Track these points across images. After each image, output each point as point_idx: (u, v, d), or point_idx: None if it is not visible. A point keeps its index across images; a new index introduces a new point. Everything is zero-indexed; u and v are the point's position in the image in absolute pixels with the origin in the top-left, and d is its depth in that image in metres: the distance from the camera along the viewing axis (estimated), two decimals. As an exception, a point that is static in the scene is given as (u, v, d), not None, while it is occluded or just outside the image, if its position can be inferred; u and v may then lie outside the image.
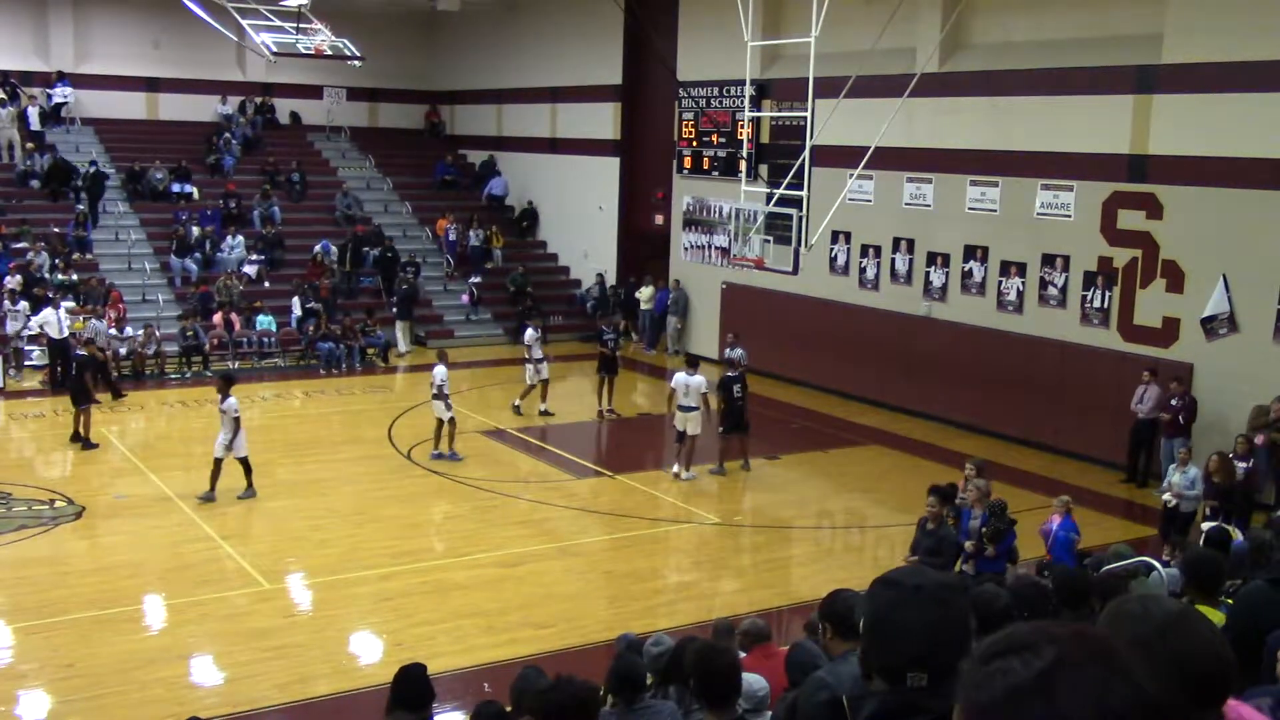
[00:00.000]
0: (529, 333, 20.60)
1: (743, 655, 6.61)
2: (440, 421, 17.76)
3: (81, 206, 26.83)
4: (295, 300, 25.59)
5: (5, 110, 28.40)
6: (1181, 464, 14.26)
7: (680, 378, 17.53)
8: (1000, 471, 17.91)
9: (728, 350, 19.22)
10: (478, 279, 28.94)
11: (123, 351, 22.67)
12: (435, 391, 17.77)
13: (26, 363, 22.63)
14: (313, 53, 23.28)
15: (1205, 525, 12.51)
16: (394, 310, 26.37)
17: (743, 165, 23.08)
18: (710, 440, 17.74)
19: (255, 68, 30.93)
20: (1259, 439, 15.83)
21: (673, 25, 26.05)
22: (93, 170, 27.55)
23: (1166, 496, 14.27)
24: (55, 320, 21.96)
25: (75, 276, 24.70)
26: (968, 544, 11.52)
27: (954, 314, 20.50)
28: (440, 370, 17.75)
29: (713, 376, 18.89)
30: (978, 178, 19.95)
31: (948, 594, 2.24)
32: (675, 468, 17.50)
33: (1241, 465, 14.39)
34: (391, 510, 15.42)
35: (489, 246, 30.05)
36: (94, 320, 21.52)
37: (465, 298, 28.51)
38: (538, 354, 20.44)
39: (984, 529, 11.42)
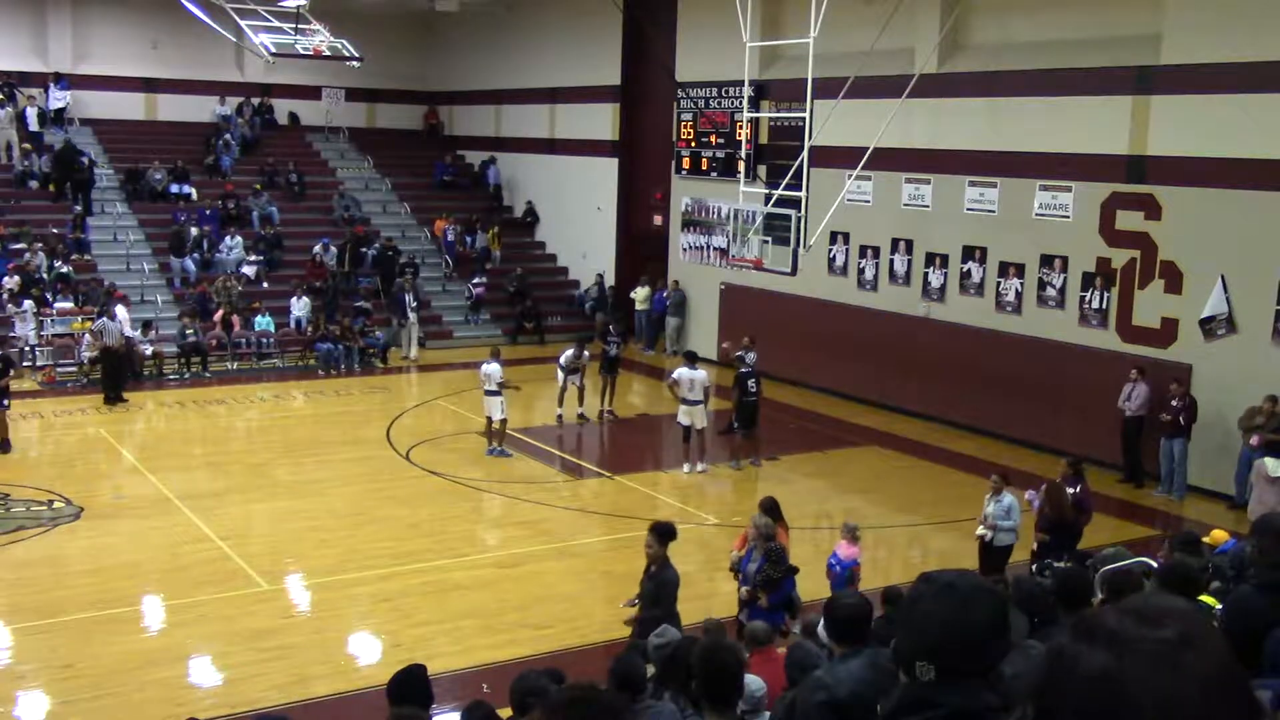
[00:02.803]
0: (568, 354, 20.13)
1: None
2: (490, 419, 18.11)
3: (78, 208, 26.84)
4: (294, 300, 25.60)
5: (3, 111, 28.39)
6: (995, 492, 12.45)
7: (683, 372, 17.62)
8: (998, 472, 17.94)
9: (742, 352, 19.15)
10: (483, 280, 28.93)
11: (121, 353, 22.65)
12: (491, 388, 17.90)
13: (25, 363, 22.62)
14: (311, 53, 23.29)
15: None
16: (411, 315, 25.57)
17: (741, 166, 23.08)
18: (717, 438, 17.84)
19: (254, 68, 30.91)
20: (1253, 440, 15.85)
21: (671, 26, 26.06)
22: (85, 162, 27.52)
23: (979, 530, 12.51)
24: (125, 321, 22.19)
25: (72, 273, 24.68)
26: (742, 590, 10.48)
27: (952, 314, 20.50)
28: (495, 368, 17.99)
29: (713, 375, 18.94)
30: (976, 178, 19.96)
31: (977, 596, 2.25)
32: (686, 467, 17.52)
33: (1070, 491, 12.72)
34: (390, 511, 15.41)
35: (490, 248, 30.10)
36: (105, 319, 21.49)
37: (478, 289, 28.43)
38: (572, 369, 20.09)
39: (758, 575, 10.28)
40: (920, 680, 2.19)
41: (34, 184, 27.65)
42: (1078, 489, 12.71)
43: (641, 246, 28.15)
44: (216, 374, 23.58)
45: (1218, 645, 1.50)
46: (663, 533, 9.72)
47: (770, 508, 11.17)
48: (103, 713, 9.81)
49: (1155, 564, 7.92)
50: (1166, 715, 1.41)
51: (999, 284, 19.80)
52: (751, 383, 17.79)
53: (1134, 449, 17.26)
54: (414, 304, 25.63)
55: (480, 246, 29.89)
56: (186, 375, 23.17)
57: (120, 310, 22.39)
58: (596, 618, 12.05)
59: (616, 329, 21.97)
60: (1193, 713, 1.42)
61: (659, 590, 9.49)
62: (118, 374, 21.17)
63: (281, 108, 33.29)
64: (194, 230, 27.08)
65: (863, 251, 22.25)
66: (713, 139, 25.41)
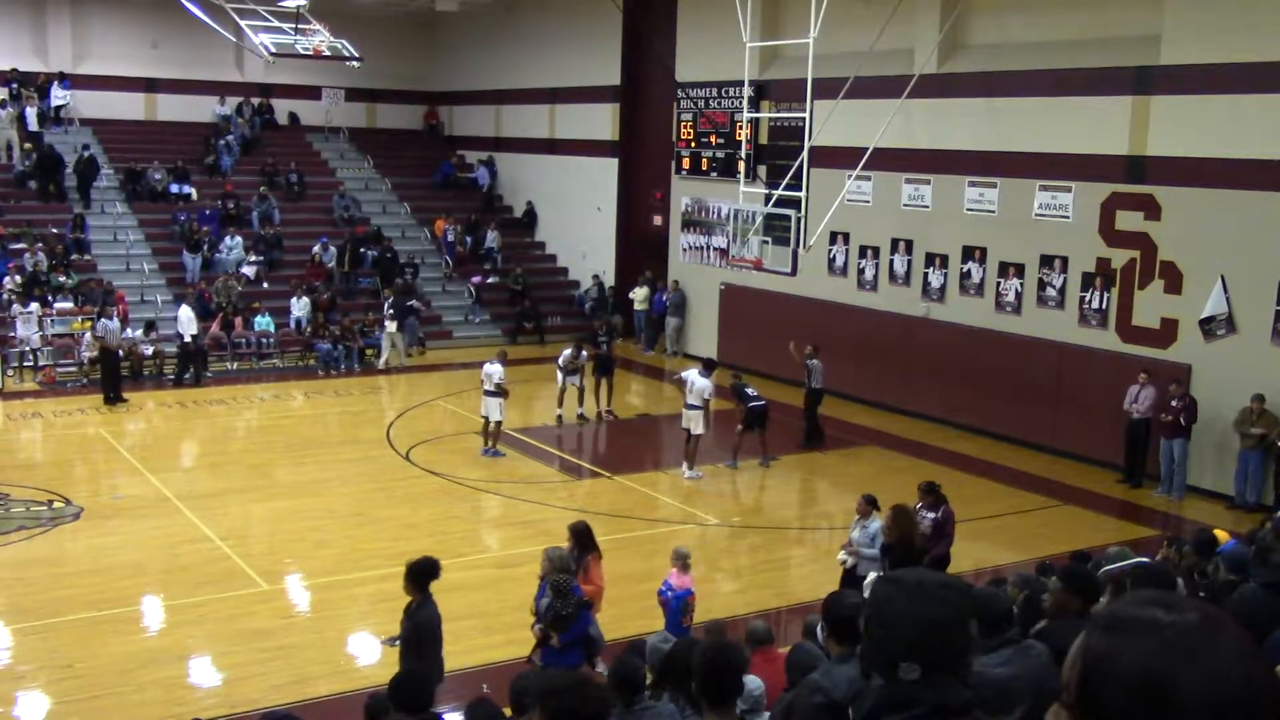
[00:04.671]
0: (566, 354, 20.16)
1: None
2: (486, 420, 18.09)
3: (77, 209, 26.84)
4: (294, 300, 25.60)
5: (4, 111, 28.40)
6: (863, 516, 11.70)
7: (688, 374, 17.70)
8: (999, 473, 17.96)
9: (807, 361, 19.09)
10: (492, 279, 29.02)
11: (120, 353, 22.65)
12: (492, 389, 17.91)
13: (26, 363, 22.64)
14: (311, 53, 23.30)
15: None
16: (390, 325, 24.74)
17: (741, 166, 23.11)
18: (720, 439, 17.84)
19: (254, 68, 30.93)
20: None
21: (672, 26, 26.06)
22: (86, 155, 27.59)
23: (841, 556, 11.75)
24: (188, 320, 22.34)
25: (75, 278, 24.69)
26: (534, 628, 9.50)
27: (952, 315, 20.50)
28: (498, 369, 17.99)
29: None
30: (976, 179, 19.96)
31: (945, 591, 2.25)
32: (685, 468, 17.55)
33: (929, 517, 11.86)
34: (390, 511, 15.41)
35: (495, 247, 30.20)
36: (104, 320, 21.50)
37: (477, 279, 28.47)
38: (570, 369, 20.10)
39: (549, 613, 9.27)
40: (905, 680, 2.19)
41: (34, 184, 27.65)
42: (939, 513, 11.88)
43: (641, 247, 28.14)
44: (216, 374, 23.57)
45: (1234, 622, 1.54)
46: (417, 573, 8.68)
47: (581, 533, 10.38)
48: (102, 713, 9.81)
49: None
50: (1214, 692, 1.45)
51: (999, 284, 19.80)
52: (750, 390, 17.89)
53: (1141, 451, 17.24)
54: (391, 311, 24.72)
55: (489, 246, 29.94)
56: (186, 375, 23.15)
57: (184, 311, 22.56)
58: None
59: (603, 329, 22.03)
60: (1237, 686, 1.46)
61: (416, 631, 8.63)
62: (118, 374, 21.17)
63: (281, 108, 33.29)
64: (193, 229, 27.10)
65: (863, 252, 22.25)
66: (713, 139, 25.41)
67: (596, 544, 10.54)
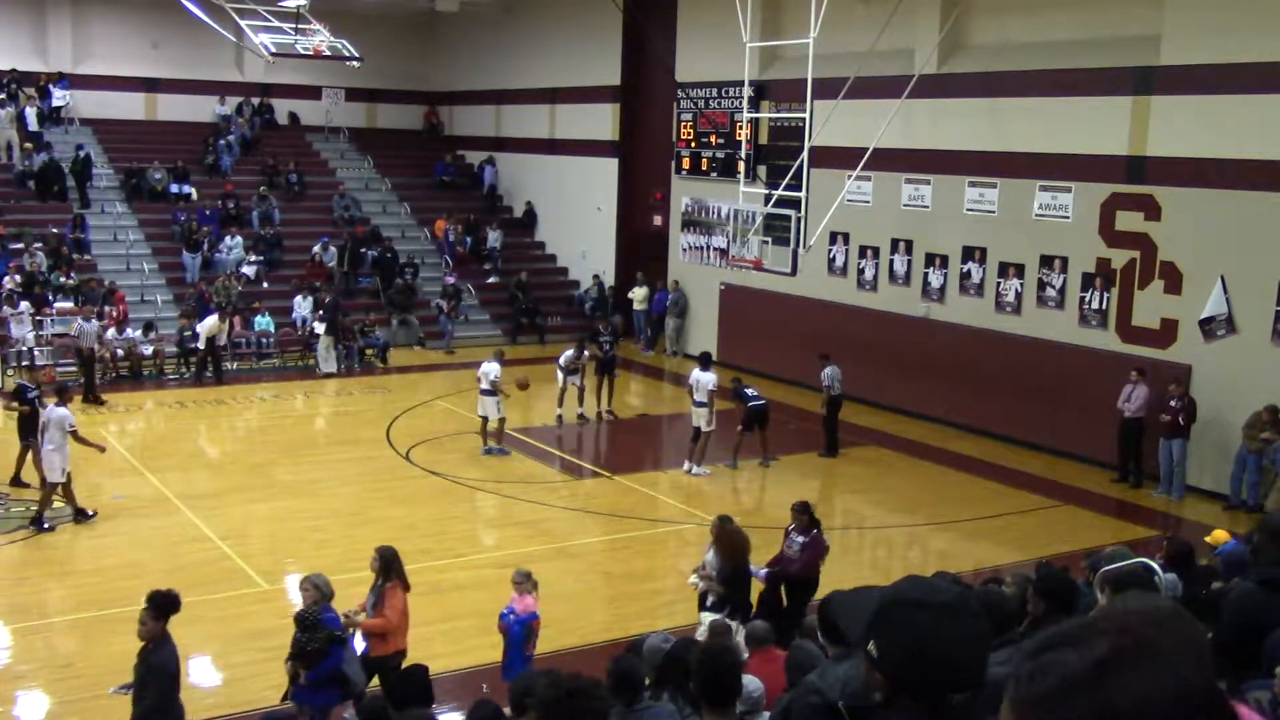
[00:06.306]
0: (568, 354, 20.20)
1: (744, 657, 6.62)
2: (484, 419, 18.16)
3: (77, 209, 26.83)
4: (298, 299, 25.61)
5: (4, 111, 28.40)
6: (717, 539, 10.78)
7: (693, 374, 17.75)
8: (999, 473, 17.96)
9: (824, 372, 18.93)
10: (492, 279, 29.03)
11: (120, 353, 22.66)
12: (488, 388, 17.91)
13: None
14: (311, 53, 23.31)
15: (706, 617, 9.93)
16: (318, 325, 24.15)
17: (741, 166, 23.11)
18: (720, 439, 17.88)
19: (254, 68, 30.94)
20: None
21: (672, 26, 26.06)
22: (83, 155, 27.61)
23: (693, 579, 10.83)
24: (213, 325, 22.42)
25: (75, 278, 24.67)
26: (287, 664, 8.78)
27: (952, 315, 20.50)
28: (494, 367, 18.03)
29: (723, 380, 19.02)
30: (976, 179, 19.96)
31: (971, 603, 2.20)
32: (687, 464, 17.58)
33: (799, 540, 11.05)
34: (389, 511, 15.41)
35: (496, 248, 30.23)
36: (80, 320, 21.43)
37: (451, 278, 28.43)
38: (571, 369, 20.14)
39: (294, 647, 8.55)
40: (954, 704, 2.12)
41: (33, 184, 27.65)
42: (808, 537, 11.08)
43: (641, 246, 28.15)
44: (216, 374, 23.54)
45: (1138, 668, 1.49)
46: (161, 604, 7.85)
47: (388, 557, 9.44)
48: (102, 712, 9.80)
49: (1156, 564, 7.90)
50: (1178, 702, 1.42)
51: (999, 284, 19.80)
52: (750, 390, 17.94)
53: (1134, 450, 17.26)
54: (321, 313, 24.36)
55: (492, 246, 29.97)
56: (185, 376, 23.15)
57: (211, 320, 22.58)
58: (595, 618, 12.05)
59: (606, 330, 22.04)
60: (1200, 690, 1.44)
61: (150, 675, 7.82)
62: (91, 376, 21.10)
63: (281, 108, 33.30)
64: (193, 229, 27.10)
65: (862, 252, 22.25)
66: (713, 139, 25.41)
67: (403, 572, 9.62)
